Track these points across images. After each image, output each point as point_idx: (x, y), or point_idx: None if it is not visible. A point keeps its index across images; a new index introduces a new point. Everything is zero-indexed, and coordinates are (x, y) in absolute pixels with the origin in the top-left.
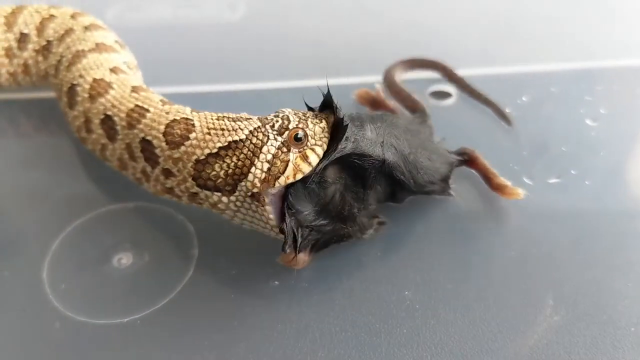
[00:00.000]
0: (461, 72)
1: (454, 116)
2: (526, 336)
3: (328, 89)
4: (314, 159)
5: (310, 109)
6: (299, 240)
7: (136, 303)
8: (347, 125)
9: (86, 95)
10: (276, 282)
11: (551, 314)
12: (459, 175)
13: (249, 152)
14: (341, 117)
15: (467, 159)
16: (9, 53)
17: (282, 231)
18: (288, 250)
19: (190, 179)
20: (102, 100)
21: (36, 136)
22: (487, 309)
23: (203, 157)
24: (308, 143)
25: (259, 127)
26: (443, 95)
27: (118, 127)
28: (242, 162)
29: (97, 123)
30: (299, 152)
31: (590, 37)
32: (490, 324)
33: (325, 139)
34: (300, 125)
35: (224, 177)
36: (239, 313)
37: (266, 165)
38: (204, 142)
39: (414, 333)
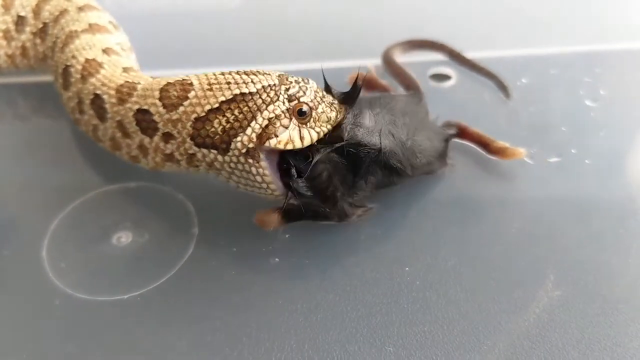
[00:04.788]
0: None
1: (454, 98)
2: (528, 312)
3: (359, 83)
4: (306, 140)
5: (328, 91)
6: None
7: (136, 280)
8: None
9: (79, 76)
10: (277, 259)
11: (552, 289)
12: (457, 155)
13: (254, 106)
14: (344, 130)
15: (458, 132)
16: (7, 35)
17: (287, 174)
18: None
19: (188, 139)
20: (92, 80)
21: (35, 118)
22: (495, 286)
23: (203, 114)
24: (308, 123)
25: (274, 84)
26: (442, 77)
27: (107, 105)
28: (244, 115)
29: (87, 103)
30: (298, 126)
31: (589, 20)
32: (501, 303)
33: (325, 129)
34: (311, 104)
35: (220, 133)
36: (240, 290)
37: (265, 123)
38: (204, 99)
39: (426, 312)
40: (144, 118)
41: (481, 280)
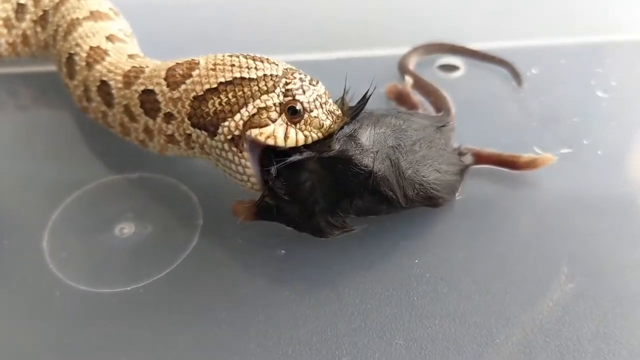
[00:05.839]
0: (471, 46)
1: (463, 89)
2: (541, 304)
3: (366, 98)
4: (291, 141)
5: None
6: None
7: (139, 272)
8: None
9: (84, 63)
10: (282, 251)
11: (565, 282)
12: None
13: (249, 93)
14: (335, 141)
15: (475, 158)
16: (7, 23)
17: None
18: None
19: (186, 119)
20: (98, 67)
21: (36, 108)
22: (507, 280)
23: (202, 92)
24: (298, 124)
25: (277, 75)
26: (451, 68)
27: (114, 91)
28: (237, 100)
29: (94, 91)
30: (286, 123)
31: (601, 10)
32: (514, 296)
33: (315, 136)
34: (305, 105)
35: (212, 115)
36: (246, 282)
37: (254, 112)
38: (205, 78)
39: (437, 305)
40: (148, 99)
41: (493, 273)
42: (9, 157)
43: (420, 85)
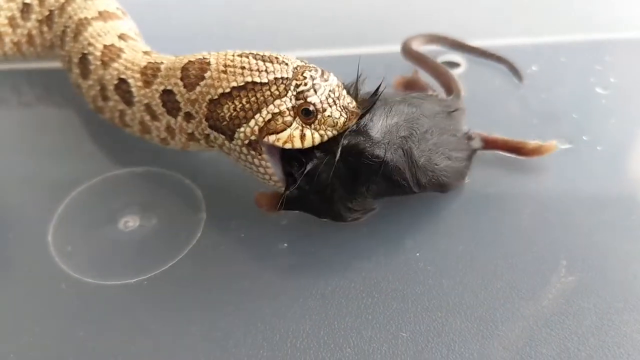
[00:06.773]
0: (471, 43)
1: (464, 85)
2: (542, 297)
3: (379, 93)
4: (307, 142)
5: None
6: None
7: (143, 265)
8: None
9: (99, 62)
10: (285, 245)
11: (566, 275)
12: None
13: (262, 98)
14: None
15: (483, 143)
16: (12, 22)
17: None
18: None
19: (204, 120)
20: (115, 65)
21: (40, 105)
22: (510, 273)
23: (216, 96)
24: (313, 124)
25: (287, 78)
26: (452, 65)
27: (133, 89)
28: (251, 105)
29: (111, 89)
30: (302, 125)
31: (600, 8)
32: (517, 289)
33: (330, 134)
34: (318, 106)
35: (228, 119)
36: (250, 275)
37: (269, 117)
38: (218, 81)
39: (442, 299)
40: (168, 99)
41: (496, 267)
42: (13, 152)
43: (430, 66)
